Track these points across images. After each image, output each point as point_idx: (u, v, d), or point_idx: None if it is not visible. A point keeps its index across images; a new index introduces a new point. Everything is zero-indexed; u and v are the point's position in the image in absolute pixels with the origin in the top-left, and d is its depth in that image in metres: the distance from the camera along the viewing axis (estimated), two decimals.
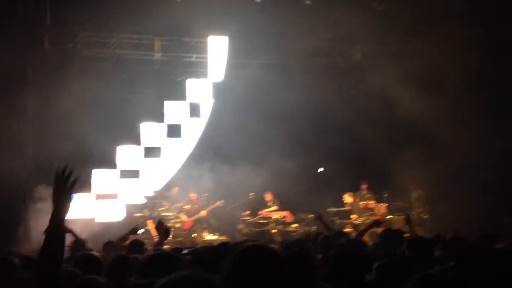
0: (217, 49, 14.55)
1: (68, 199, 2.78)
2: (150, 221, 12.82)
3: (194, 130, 14.93)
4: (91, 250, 6.56)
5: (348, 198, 13.45)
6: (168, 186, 14.17)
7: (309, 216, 13.11)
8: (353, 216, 13.34)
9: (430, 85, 13.45)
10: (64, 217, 2.77)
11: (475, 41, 12.22)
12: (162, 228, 6.32)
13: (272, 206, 13.66)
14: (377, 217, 10.78)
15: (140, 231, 6.77)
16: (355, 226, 12.57)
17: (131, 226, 7.45)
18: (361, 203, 13.47)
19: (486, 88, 13.20)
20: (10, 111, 11.50)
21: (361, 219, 13.14)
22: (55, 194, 2.76)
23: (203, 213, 13.25)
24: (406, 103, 14.57)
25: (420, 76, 13.93)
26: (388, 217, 13.52)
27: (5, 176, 10.88)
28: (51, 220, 2.75)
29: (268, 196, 13.71)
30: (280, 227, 13.34)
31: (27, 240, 11.38)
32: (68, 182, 2.78)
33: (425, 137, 13.76)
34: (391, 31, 13.43)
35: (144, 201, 13.61)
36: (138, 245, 6.33)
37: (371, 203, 13.51)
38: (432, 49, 13.65)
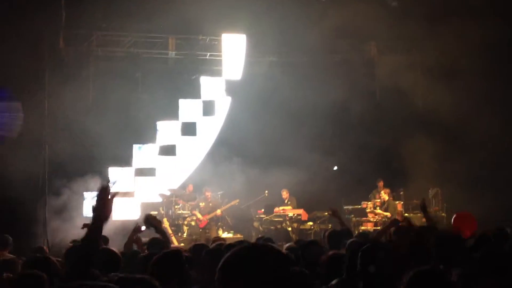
0: (231, 46, 14.53)
1: (109, 209, 3.06)
2: (165, 219, 12.89)
3: (209, 128, 14.94)
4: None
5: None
6: (183, 185, 14.21)
7: (325, 214, 13.05)
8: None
9: (447, 81, 13.29)
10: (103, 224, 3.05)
11: (492, 35, 12.03)
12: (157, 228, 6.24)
13: (288, 203, 13.61)
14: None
15: (143, 228, 6.72)
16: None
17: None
18: (377, 201, 13.35)
19: (507, 82, 12.99)
20: (28, 110, 11.60)
21: (377, 217, 13.03)
22: (99, 204, 3.04)
23: (218, 212, 13.24)
24: (423, 98, 14.44)
25: (436, 72, 13.78)
26: (405, 215, 13.39)
27: (23, 173, 11.00)
28: (92, 226, 3.03)
29: (285, 193, 13.67)
30: (294, 225, 13.29)
31: (45, 235, 11.49)
32: (109, 195, 3.08)
33: (443, 133, 13.60)
34: (405, 27, 13.28)
35: (159, 199, 13.66)
36: (157, 243, 6.30)
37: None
38: (447, 44, 13.48)
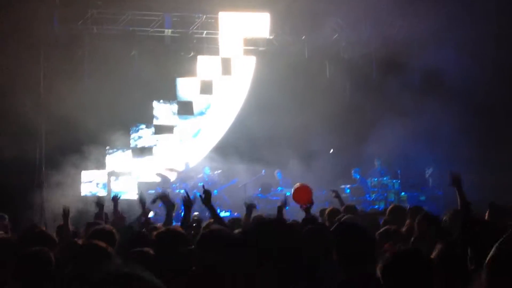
0: (228, 25, 14.38)
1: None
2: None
3: (206, 107, 14.88)
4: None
5: None
6: (180, 163, 14.19)
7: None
8: None
9: None
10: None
11: None
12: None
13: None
14: None
15: (151, 214, 6.71)
16: None
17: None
18: None
19: None
20: (23, 90, 11.49)
21: None
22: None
23: (215, 192, 13.24)
24: None
25: None
26: None
27: (20, 153, 10.96)
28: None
29: (281, 174, 13.72)
30: None
31: (41, 222, 11.47)
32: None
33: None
34: None
35: (157, 178, 13.65)
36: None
37: None
38: None
